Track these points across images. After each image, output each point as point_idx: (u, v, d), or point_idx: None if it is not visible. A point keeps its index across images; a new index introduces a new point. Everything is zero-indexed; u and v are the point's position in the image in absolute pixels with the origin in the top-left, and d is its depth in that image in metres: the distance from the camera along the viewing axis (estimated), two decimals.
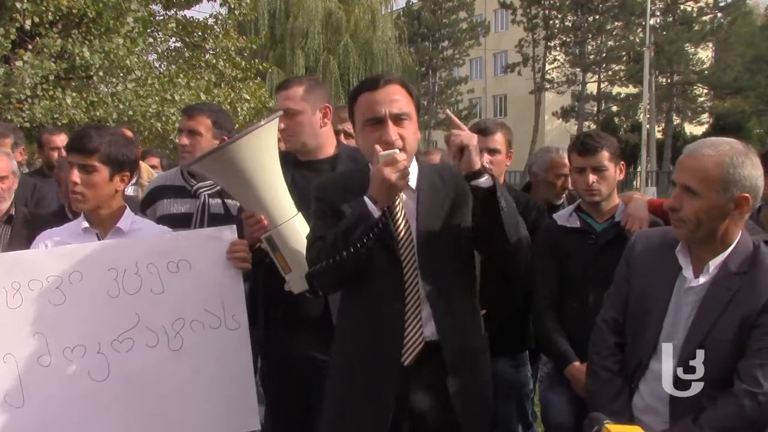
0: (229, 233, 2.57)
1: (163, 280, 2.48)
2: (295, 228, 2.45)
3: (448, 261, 2.12)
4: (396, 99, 2.09)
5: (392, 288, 2.10)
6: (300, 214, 2.49)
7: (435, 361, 2.09)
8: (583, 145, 2.84)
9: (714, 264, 2.01)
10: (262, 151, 2.40)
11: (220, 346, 2.51)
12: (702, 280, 2.01)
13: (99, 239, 2.54)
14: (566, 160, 3.62)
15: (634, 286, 2.16)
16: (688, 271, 2.04)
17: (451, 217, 2.16)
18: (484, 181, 2.00)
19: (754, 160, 1.95)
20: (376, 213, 1.97)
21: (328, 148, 2.77)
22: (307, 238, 2.27)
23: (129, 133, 4.29)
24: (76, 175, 2.44)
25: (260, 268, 2.61)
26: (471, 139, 2.02)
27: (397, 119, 2.08)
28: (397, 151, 1.99)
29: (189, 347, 2.48)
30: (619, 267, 2.25)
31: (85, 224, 2.55)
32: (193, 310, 2.50)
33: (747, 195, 1.94)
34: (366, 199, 1.99)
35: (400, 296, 2.09)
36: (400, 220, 2.12)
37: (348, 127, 3.52)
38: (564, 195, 3.73)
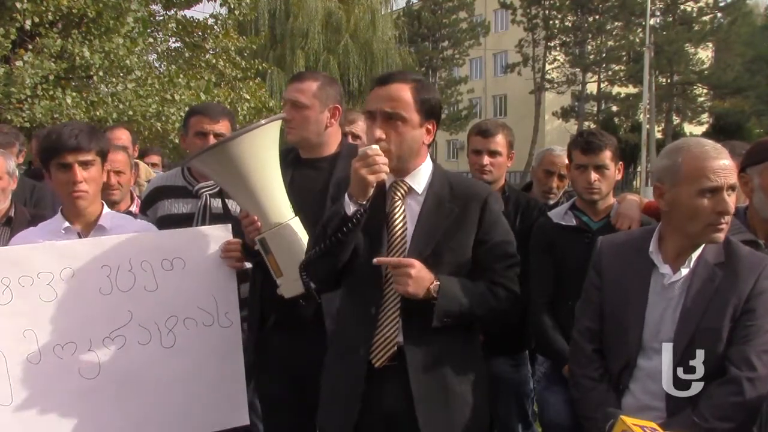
0: (223, 232, 2.58)
1: (157, 277, 2.48)
2: (290, 232, 2.42)
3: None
4: (395, 99, 2.09)
5: (373, 289, 2.12)
6: (297, 218, 2.47)
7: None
8: (587, 144, 2.84)
9: (694, 256, 2.06)
10: (261, 151, 2.39)
11: (213, 343, 2.53)
12: (684, 272, 2.05)
13: (80, 238, 2.51)
14: (559, 160, 3.63)
15: (607, 292, 2.17)
16: (665, 268, 2.08)
17: (451, 230, 2.14)
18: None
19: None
20: (349, 209, 2.02)
21: (332, 148, 2.75)
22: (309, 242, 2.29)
23: (125, 137, 4.32)
24: (81, 174, 2.44)
25: (259, 269, 2.60)
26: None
27: (389, 118, 2.09)
28: (373, 147, 2.02)
29: (182, 344, 2.49)
30: (588, 276, 2.25)
31: (66, 224, 2.52)
32: (187, 308, 2.51)
33: None
34: (346, 195, 2.05)
35: (377, 298, 2.12)
36: (398, 223, 2.13)
37: (354, 129, 3.52)
38: (560, 195, 3.74)
